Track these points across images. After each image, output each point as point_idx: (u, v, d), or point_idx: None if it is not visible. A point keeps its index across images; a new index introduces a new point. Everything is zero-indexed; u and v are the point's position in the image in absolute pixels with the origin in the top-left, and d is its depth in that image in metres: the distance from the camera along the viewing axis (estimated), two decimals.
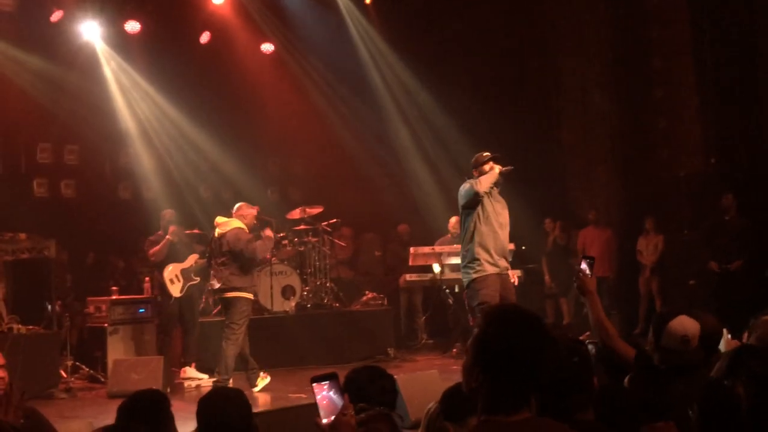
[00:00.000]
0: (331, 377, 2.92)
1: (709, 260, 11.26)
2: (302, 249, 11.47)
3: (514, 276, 8.00)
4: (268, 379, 8.75)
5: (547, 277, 12.74)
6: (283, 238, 11.36)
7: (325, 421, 2.85)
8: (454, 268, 10.77)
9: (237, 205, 9.00)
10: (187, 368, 9.76)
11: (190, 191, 12.49)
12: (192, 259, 10.06)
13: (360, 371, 3.95)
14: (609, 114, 13.40)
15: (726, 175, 11.90)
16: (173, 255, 10.00)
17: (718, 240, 11.17)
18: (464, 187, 7.61)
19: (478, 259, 7.46)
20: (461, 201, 7.66)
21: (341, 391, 2.89)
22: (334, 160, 13.72)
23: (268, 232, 8.90)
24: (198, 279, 10.13)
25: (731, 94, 12.04)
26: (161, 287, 10.01)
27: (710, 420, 3.11)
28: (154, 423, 3.66)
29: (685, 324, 4.08)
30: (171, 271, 9.93)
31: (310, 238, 11.51)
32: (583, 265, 4.61)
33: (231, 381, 8.43)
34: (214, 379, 8.75)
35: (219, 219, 8.98)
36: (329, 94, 13.42)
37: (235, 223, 8.78)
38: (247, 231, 8.79)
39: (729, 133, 12.06)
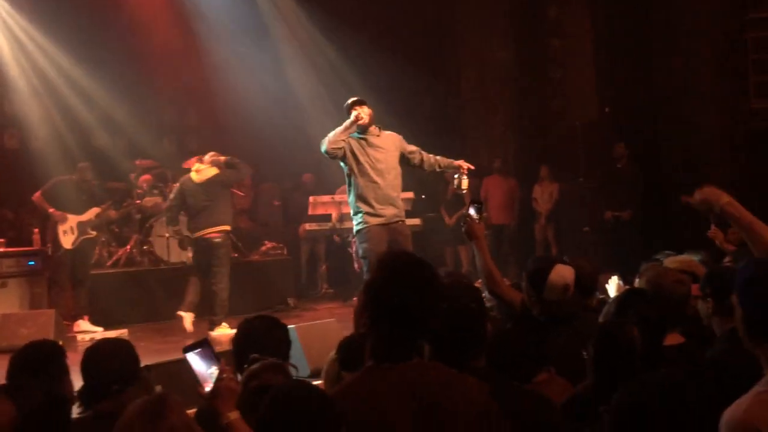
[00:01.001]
0: (202, 344, 2.89)
1: (602, 208, 11.53)
2: None
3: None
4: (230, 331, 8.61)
5: (446, 220, 12.81)
6: None
7: (207, 389, 2.79)
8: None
9: (209, 153, 9.27)
10: (81, 321, 9.46)
11: (82, 140, 11.99)
12: (91, 213, 9.66)
13: (253, 321, 3.86)
14: (506, 63, 13.48)
15: (619, 124, 12.16)
16: (73, 205, 9.55)
17: (611, 188, 11.44)
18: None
19: (359, 212, 7.26)
20: None
21: (215, 356, 2.86)
22: (232, 109, 13.35)
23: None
24: (94, 233, 9.75)
25: (625, 44, 12.26)
26: (54, 237, 9.57)
27: (604, 361, 3.14)
28: (48, 376, 3.46)
29: (564, 273, 4.14)
30: (67, 223, 9.52)
31: None
32: (471, 210, 4.60)
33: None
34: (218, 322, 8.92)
35: (198, 166, 9.18)
36: (227, 41, 13.00)
37: (213, 169, 9.12)
38: None
39: (623, 83, 12.30)
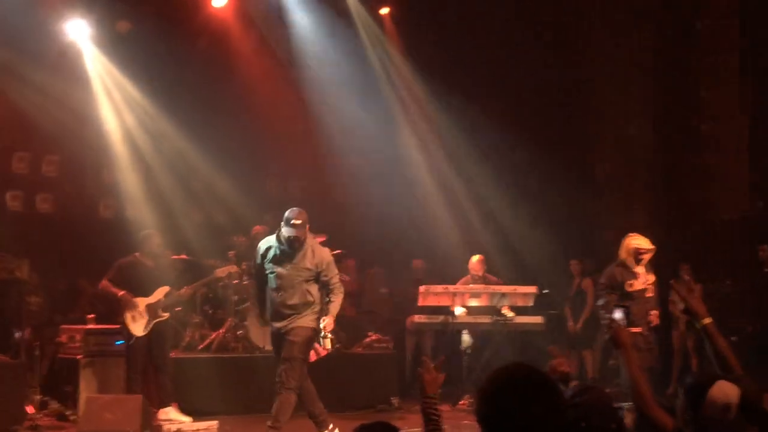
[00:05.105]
0: None
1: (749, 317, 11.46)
2: None
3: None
4: None
5: (570, 322, 12.83)
6: None
7: None
8: (471, 311, 11.01)
9: None
10: (168, 409, 9.69)
11: (180, 212, 12.62)
12: (161, 293, 9.78)
13: (370, 429, 3.93)
14: (649, 147, 13.61)
15: None
16: (144, 285, 9.78)
17: (760, 295, 11.36)
18: None
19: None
20: None
21: None
22: (340, 184, 13.85)
23: None
24: (167, 315, 9.83)
25: None
26: (123, 324, 9.73)
27: None
28: None
29: (727, 391, 4.07)
30: (135, 308, 9.67)
31: None
32: (618, 314, 4.64)
33: None
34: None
35: None
36: (337, 110, 13.55)
37: None
38: None
39: None
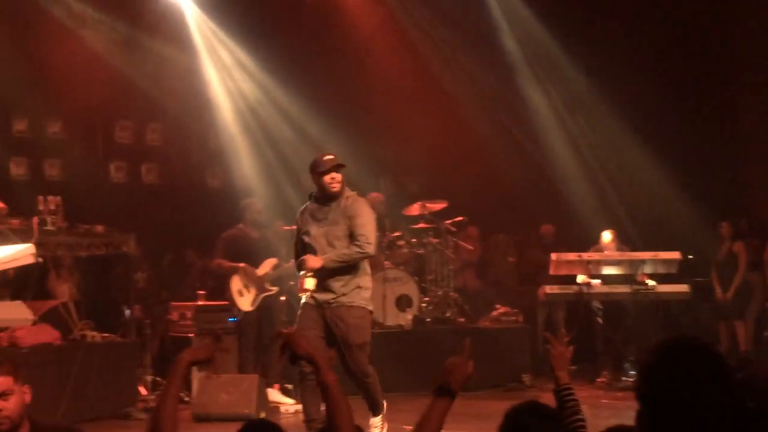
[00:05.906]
0: None
1: None
2: (421, 252, 11.44)
3: None
4: None
5: (718, 290, 12.29)
6: (398, 238, 11.33)
7: None
8: (606, 280, 10.72)
9: None
10: (271, 390, 9.66)
11: (290, 179, 12.58)
12: (268, 265, 9.88)
13: (523, 411, 3.72)
14: None
15: None
16: (250, 257, 9.87)
17: None
18: None
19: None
20: None
21: None
22: (460, 146, 13.65)
23: None
24: (275, 289, 9.92)
25: None
26: (230, 300, 9.92)
27: None
28: None
29: None
30: (239, 281, 9.85)
31: (430, 239, 11.47)
32: None
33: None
34: None
35: None
36: (456, 66, 13.38)
37: None
38: None
39: None
